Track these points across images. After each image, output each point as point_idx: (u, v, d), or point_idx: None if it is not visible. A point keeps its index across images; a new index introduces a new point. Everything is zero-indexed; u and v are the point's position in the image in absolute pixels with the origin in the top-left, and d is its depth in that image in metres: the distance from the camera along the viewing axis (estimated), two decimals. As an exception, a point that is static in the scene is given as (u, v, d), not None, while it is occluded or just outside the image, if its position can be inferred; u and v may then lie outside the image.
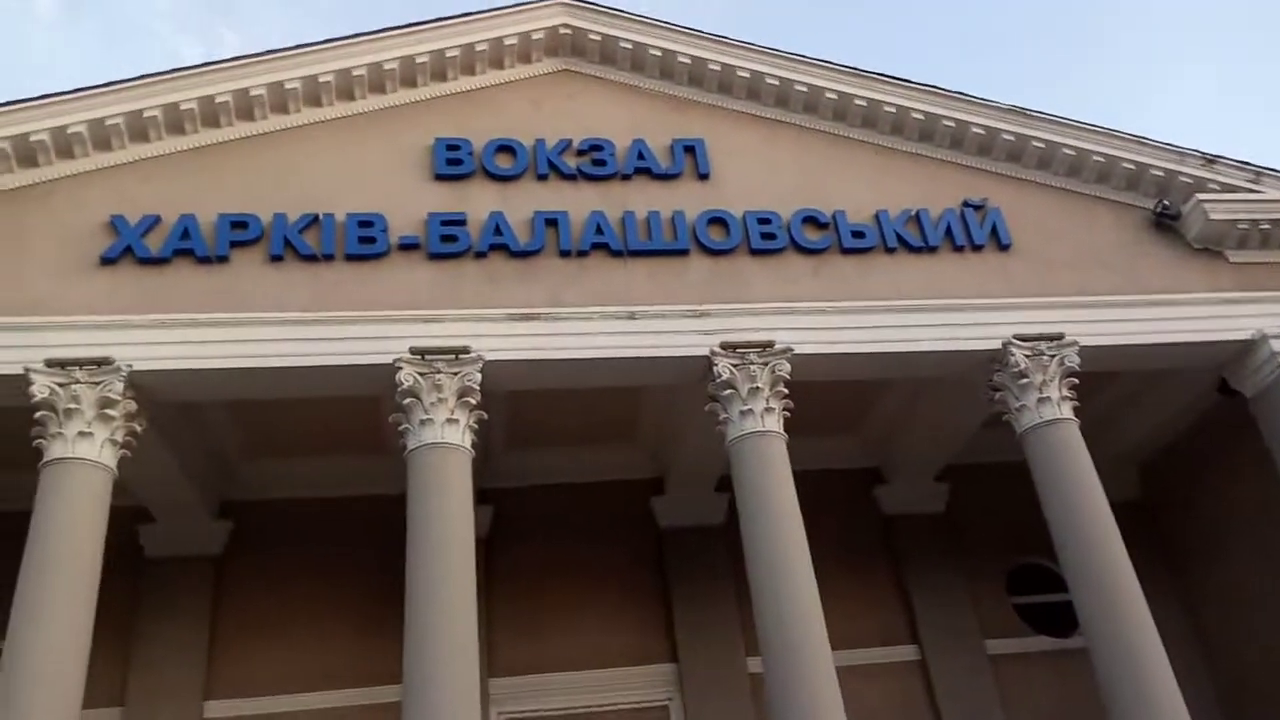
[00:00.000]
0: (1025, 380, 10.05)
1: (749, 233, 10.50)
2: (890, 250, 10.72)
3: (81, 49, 47.37)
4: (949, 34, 48.49)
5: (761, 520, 9.10)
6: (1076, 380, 10.20)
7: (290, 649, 11.38)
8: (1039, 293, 10.65)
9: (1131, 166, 11.48)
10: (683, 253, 10.32)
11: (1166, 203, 11.39)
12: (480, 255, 9.98)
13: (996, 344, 10.20)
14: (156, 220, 9.67)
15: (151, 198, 9.83)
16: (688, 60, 11.43)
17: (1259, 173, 11.47)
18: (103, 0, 46.83)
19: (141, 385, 9.02)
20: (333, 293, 9.58)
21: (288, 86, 10.42)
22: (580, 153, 10.84)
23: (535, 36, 11.38)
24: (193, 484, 11.00)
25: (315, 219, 9.89)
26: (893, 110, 11.44)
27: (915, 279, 10.59)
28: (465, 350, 9.33)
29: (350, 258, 9.76)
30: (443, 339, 9.37)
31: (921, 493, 13.07)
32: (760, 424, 9.46)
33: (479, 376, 9.26)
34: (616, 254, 10.20)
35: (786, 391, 9.74)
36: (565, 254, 10.11)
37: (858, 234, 10.71)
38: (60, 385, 8.67)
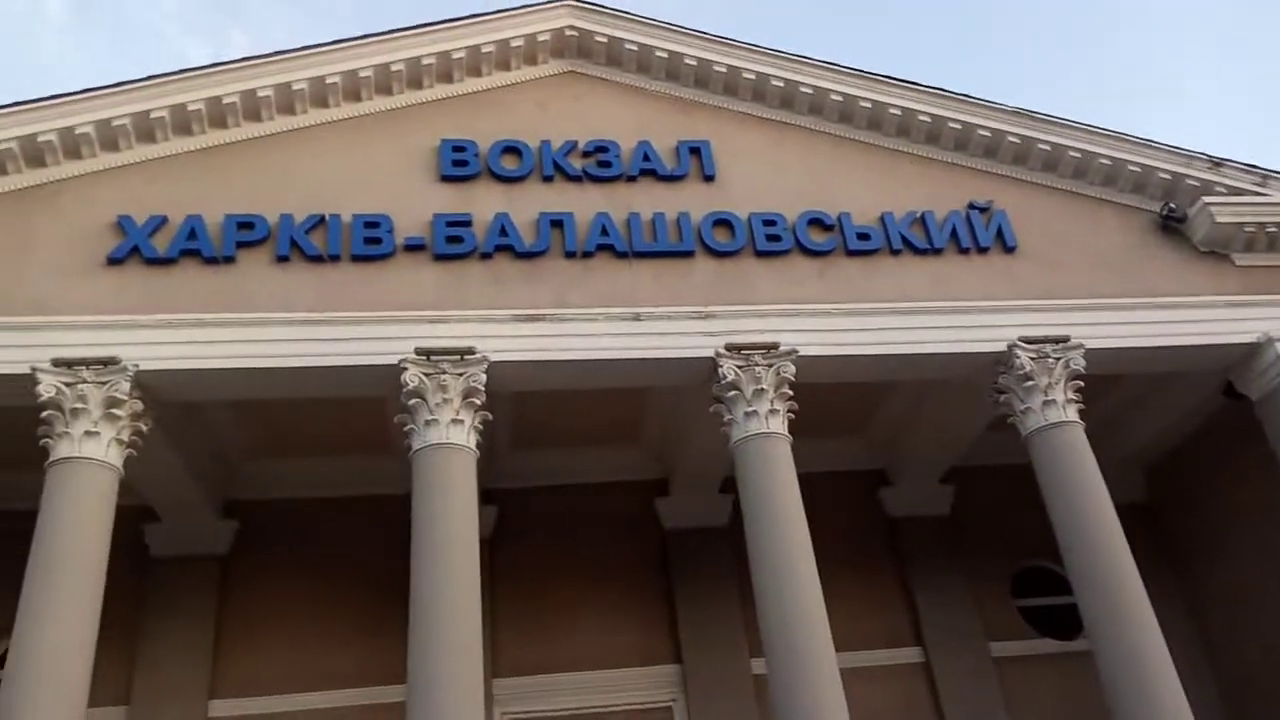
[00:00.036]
0: (1030, 383, 10.03)
1: (754, 234, 10.49)
2: (895, 252, 10.70)
3: (90, 50, 47.58)
4: (951, 35, 48.48)
5: (766, 522, 9.10)
6: (1082, 383, 10.17)
7: (295, 648, 11.40)
8: (1044, 295, 10.63)
9: (1138, 169, 11.45)
10: (688, 254, 10.32)
11: (1173, 205, 11.35)
12: (486, 256, 9.99)
13: (1002, 346, 10.18)
14: (163, 220, 9.69)
15: (158, 198, 9.85)
16: (693, 62, 11.43)
17: (1266, 176, 11.44)
18: (111, 2, 47.02)
19: (148, 385, 9.04)
20: (338, 293, 9.60)
21: (295, 87, 10.45)
22: (586, 154, 10.85)
23: (541, 38, 11.40)
24: (198, 484, 11.03)
25: (321, 220, 9.91)
26: (898, 112, 11.42)
27: (920, 281, 10.58)
28: (470, 351, 9.35)
29: (356, 258, 9.78)
30: (448, 340, 9.38)
31: (926, 495, 13.05)
32: (765, 426, 9.45)
33: (484, 377, 9.27)
34: (622, 255, 10.20)
35: (791, 393, 9.73)
36: (570, 255, 10.12)
37: (863, 236, 10.70)
38: (67, 385, 8.70)
